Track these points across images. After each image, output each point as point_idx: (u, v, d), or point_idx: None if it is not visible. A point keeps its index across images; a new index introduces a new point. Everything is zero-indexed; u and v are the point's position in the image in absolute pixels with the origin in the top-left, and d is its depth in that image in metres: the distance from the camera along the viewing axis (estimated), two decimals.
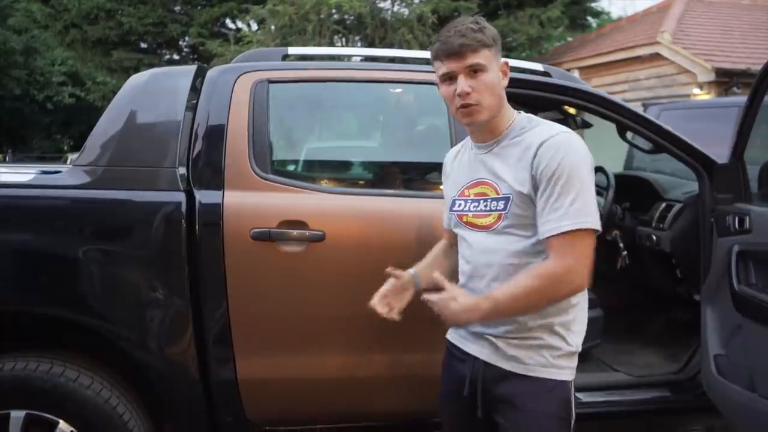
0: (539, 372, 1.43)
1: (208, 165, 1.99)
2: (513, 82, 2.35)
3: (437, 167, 2.49)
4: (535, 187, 1.38)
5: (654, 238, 2.79)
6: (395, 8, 10.19)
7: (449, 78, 1.42)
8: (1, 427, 1.82)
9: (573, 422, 1.46)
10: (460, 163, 1.58)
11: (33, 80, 20.91)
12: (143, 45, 13.51)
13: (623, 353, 2.74)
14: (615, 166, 3.97)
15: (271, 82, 2.09)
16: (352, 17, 9.78)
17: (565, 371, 1.46)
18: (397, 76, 2.26)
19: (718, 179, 2.26)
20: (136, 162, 1.97)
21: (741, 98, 3.24)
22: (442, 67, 1.42)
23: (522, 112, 1.51)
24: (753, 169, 2.21)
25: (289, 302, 1.95)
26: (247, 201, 1.96)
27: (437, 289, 1.41)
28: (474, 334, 1.50)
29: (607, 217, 2.76)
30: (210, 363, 1.94)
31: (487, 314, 1.39)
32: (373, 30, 9.54)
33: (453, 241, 1.63)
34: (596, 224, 1.36)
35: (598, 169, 2.79)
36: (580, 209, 1.34)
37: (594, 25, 15.24)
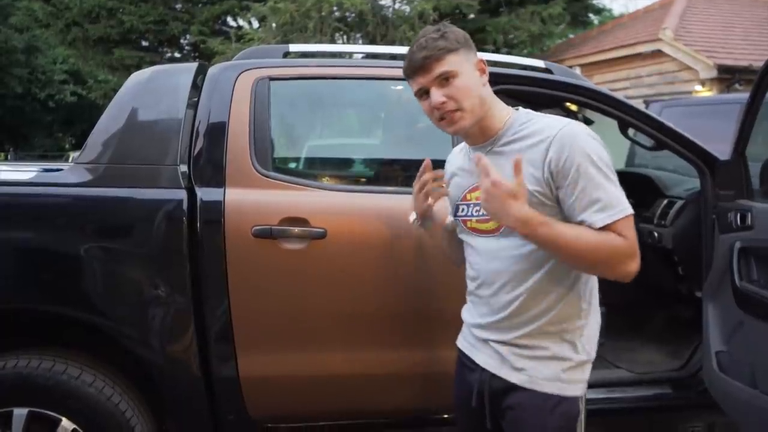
0: (545, 387, 1.36)
1: (210, 162, 1.99)
2: (514, 79, 2.33)
3: (439, 165, 2.49)
4: (550, 183, 1.30)
5: (656, 235, 2.79)
6: (396, 5, 10.18)
7: (424, 93, 1.37)
8: (4, 425, 1.83)
9: None
10: (459, 167, 1.52)
11: (34, 79, 20.93)
12: (144, 43, 13.52)
13: (625, 350, 2.74)
14: (616, 163, 3.94)
15: (272, 79, 2.09)
16: (353, 15, 9.77)
17: (575, 386, 1.38)
18: (398, 74, 2.24)
19: (719, 176, 2.25)
20: (137, 159, 1.97)
21: (743, 95, 3.24)
22: (414, 84, 1.39)
23: (520, 108, 1.44)
24: (755, 166, 2.21)
25: (291, 299, 1.96)
26: (249, 198, 1.96)
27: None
28: (482, 342, 1.44)
29: None
30: (212, 360, 1.94)
31: (535, 237, 1.26)
32: (375, 27, 9.54)
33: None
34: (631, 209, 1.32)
35: None
36: (618, 196, 1.30)
37: (596, 22, 15.20)
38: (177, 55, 13.91)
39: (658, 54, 9.33)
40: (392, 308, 1.98)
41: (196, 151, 2.00)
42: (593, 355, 1.41)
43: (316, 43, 8.64)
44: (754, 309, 1.98)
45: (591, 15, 14.49)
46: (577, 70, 8.07)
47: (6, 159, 18.31)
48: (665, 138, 2.26)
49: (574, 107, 2.97)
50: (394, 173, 2.49)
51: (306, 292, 1.96)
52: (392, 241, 1.96)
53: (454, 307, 1.58)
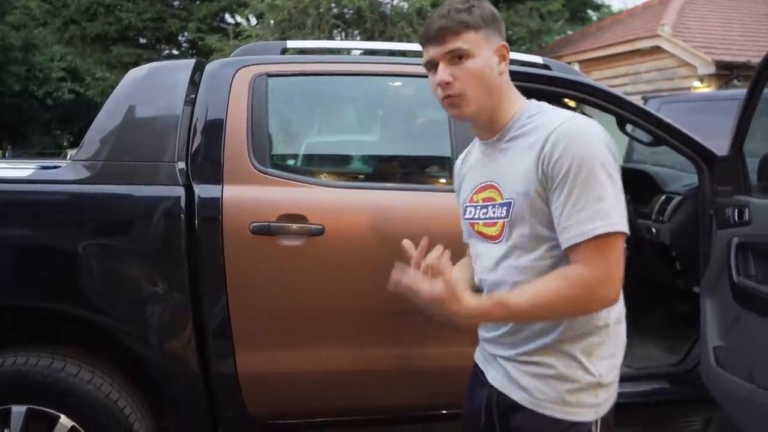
0: (551, 410, 1.22)
1: (207, 159, 1.98)
2: (512, 75, 2.34)
3: (436, 161, 2.50)
4: (544, 185, 1.17)
5: (654, 230, 2.79)
6: (394, 2, 10.15)
7: (433, 66, 1.24)
8: (3, 422, 1.83)
9: None
10: (470, 166, 1.39)
11: (32, 76, 20.90)
12: (142, 40, 13.50)
13: None
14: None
15: (270, 75, 2.08)
16: (351, 11, 9.76)
17: (584, 410, 1.22)
18: (396, 70, 2.26)
19: (717, 172, 2.26)
20: (134, 156, 1.97)
21: (741, 91, 3.24)
22: (425, 54, 1.26)
23: (534, 100, 1.31)
24: (752, 162, 2.21)
25: (289, 296, 1.96)
26: (247, 195, 1.96)
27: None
28: (491, 356, 1.34)
29: None
30: (210, 357, 1.94)
31: (499, 321, 1.22)
32: (373, 24, 9.52)
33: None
34: (625, 226, 1.15)
35: None
36: (606, 209, 1.12)
37: (594, 18, 15.20)
38: (175, 52, 13.89)
39: (656, 50, 9.33)
40: (390, 305, 1.97)
41: (193, 148, 2.00)
42: (608, 378, 1.25)
43: (314, 40, 8.62)
44: (751, 304, 1.98)
45: (590, 11, 14.50)
46: (576, 67, 8.05)
47: (4, 156, 18.26)
48: (663, 134, 2.27)
49: (572, 103, 2.98)
50: (393, 170, 2.48)
51: (304, 289, 1.96)
52: (390, 238, 1.96)
53: None
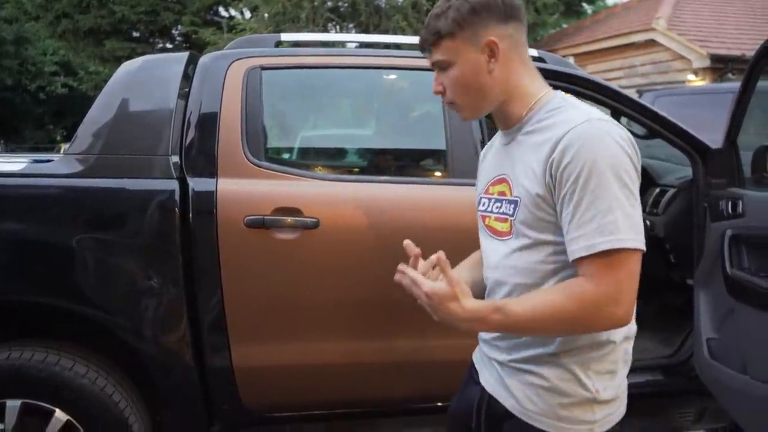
0: (540, 422, 1.15)
1: (201, 152, 1.98)
2: None
3: (431, 154, 2.50)
4: (552, 189, 1.09)
5: (648, 223, 2.80)
6: None
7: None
8: None
9: None
10: (491, 156, 1.32)
11: (25, 70, 20.76)
12: (136, 34, 13.43)
13: None
14: None
15: (263, 68, 2.07)
16: (345, 4, 9.73)
17: (579, 427, 1.15)
18: (391, 62, 2.25)
19: (711, 164, 2.27)
20: (128, 150, 1.96)
21: (735, 84, 3.25)
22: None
23: (560, 92, 1.23)
24: (746, 155, 2.22)
25: (284, 289, 1.95)
26: (241, 188, 1.95)
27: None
28: (487, 359, 1.30)
29: None
30: (205, 350, 1.94)
31: (495, 329, 1.16)
32: (367, 17, 9.50)
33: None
34: (641, 242, 1.05)
35: None
36: (616, 222, 1.03)
37: (589, 11, 15.19)
38: (168, 45, 13.83)
39: (651, 43, 9.35)
40: (386, 298, 1.98)
41: (187, 141, 1.99)
42: (606, 395, 1.16)
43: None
44: (744, 296, 1.99)
45: (585, 4, 14.49)
46: (571, 60, 8.05)
47: None
48: (658, 127, 2.27)
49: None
50: (388, 163, 2.48)
51: (299, 282, 1.96)
52: (386, 231, 1.96)
53: None
